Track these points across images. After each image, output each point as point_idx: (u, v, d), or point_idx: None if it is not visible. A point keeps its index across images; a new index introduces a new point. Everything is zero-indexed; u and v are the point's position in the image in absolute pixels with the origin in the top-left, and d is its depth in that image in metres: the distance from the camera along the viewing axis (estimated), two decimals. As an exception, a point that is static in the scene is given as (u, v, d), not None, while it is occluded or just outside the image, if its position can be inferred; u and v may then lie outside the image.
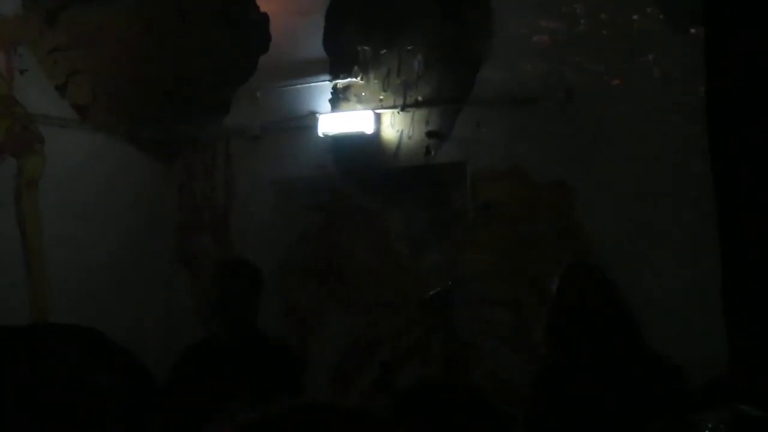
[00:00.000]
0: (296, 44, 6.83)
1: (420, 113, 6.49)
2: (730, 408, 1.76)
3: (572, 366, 3.92)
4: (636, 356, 3.89)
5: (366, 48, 6.64)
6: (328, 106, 6.76)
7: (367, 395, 6.12)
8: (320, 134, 6.72)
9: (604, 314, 3.88)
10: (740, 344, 4.10)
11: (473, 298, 6.08)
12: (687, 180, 5.50)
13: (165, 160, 7.22)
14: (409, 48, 6.50)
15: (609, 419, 3.74)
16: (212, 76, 7.02)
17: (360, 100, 6.67)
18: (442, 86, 6.42)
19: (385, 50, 6.59)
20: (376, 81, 6.63)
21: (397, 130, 6.55)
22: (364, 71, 6.66)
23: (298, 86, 6.85)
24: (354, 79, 6.69)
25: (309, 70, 6.80)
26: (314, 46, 6.76)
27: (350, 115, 6.67)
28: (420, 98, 6.48)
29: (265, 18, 6.87)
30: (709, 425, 1.68)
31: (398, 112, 6.54)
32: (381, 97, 6.60)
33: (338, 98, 6.74)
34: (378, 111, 6.60)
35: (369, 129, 6.59)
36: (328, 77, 6.76)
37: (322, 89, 6.79)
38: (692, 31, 5.24)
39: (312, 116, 6.78)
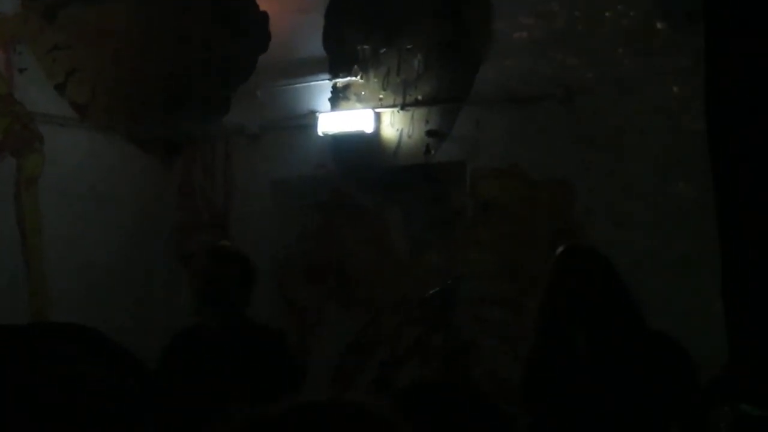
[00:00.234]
0: (296, 43, 6.83)
1: (420, 112, 6.48)
2: (730, 407, 1.76)
3: (570, 349, 3.86)
4: (638, 336, 3.82)
5: (366, 47, 6.63)
6: (328, 105, 6.76)
7: (367, 395, 6.12)
8: (320, 133, 6.72)
9: (604, 295, 3.83)
10: (740, 344, 4.11)
11: (473, 297, 6.08)
12: (687, 180, 5.51)
13: (164, 159, 7.22)
14: (408, 47, 6.50)
15: (611, 403, 3.70)
16: (212, 75, 7.02)
17: (360, 99, 6.67)
18: (442, 85, 6.42)
19: (384, 49, 6.59)
20: (375, 80, 6.63)
21: (397, 129, 6.55)
22: (364, 70, 6.66)
23: (298, 85, 6.85)
24: (354, 78, 6.68)
25: (309, 69, 6.80)
26: (314, 45, 6.76)
27: (350, 114, 6.66)
28: (420, 97, 6.48)
29: (264, 17, 6.87)
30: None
31: (398, 111, 6.54)
32: (381, 96, 6.60)
33: (338, 97, 6.74)
34: (378, 110, 6.60)
35: (369, 128, 6.58)
36: (327, 76, 6.76)
37: (321, 88, 6.78)
38: (692, 30, 5.24)
39: (312, 115, 6.77)
